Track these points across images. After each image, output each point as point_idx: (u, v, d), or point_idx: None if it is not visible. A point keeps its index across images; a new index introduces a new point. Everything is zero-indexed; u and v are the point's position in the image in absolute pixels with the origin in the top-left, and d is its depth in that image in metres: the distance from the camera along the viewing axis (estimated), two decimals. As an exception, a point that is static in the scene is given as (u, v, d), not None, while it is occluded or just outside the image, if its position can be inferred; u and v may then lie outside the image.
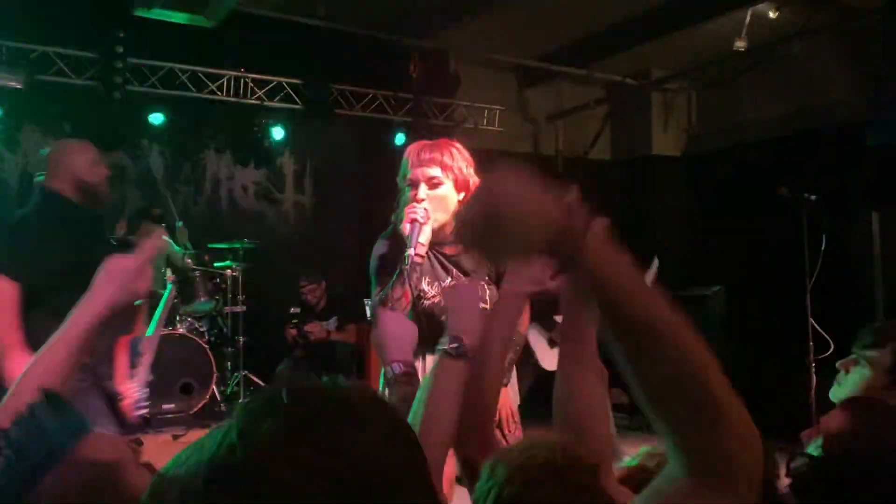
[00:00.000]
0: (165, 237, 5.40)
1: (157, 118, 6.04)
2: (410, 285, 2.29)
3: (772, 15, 5.93)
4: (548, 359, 4.75)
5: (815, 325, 4.68)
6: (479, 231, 0.88)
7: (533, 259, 1.59)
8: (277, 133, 6.52)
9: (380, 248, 2.41)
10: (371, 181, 7.13)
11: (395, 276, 2.23)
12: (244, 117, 6.45)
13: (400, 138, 6.94)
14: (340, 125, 6.79)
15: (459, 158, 2.32)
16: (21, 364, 1.80)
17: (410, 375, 2.11)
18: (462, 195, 2.30)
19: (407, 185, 2.30)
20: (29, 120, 5.82)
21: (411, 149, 2.36)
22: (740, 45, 5.96)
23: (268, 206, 6.88)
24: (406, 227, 2.21)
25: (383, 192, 7.02)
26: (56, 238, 2.59)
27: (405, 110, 6.93)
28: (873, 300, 5.89)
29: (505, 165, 0.88)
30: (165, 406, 5.08)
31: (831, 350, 4.62)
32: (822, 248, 4.70)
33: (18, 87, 5.19)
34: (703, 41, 6.54)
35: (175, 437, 4.76)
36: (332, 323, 6.07)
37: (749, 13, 5.83)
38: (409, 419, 1.33)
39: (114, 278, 1.38)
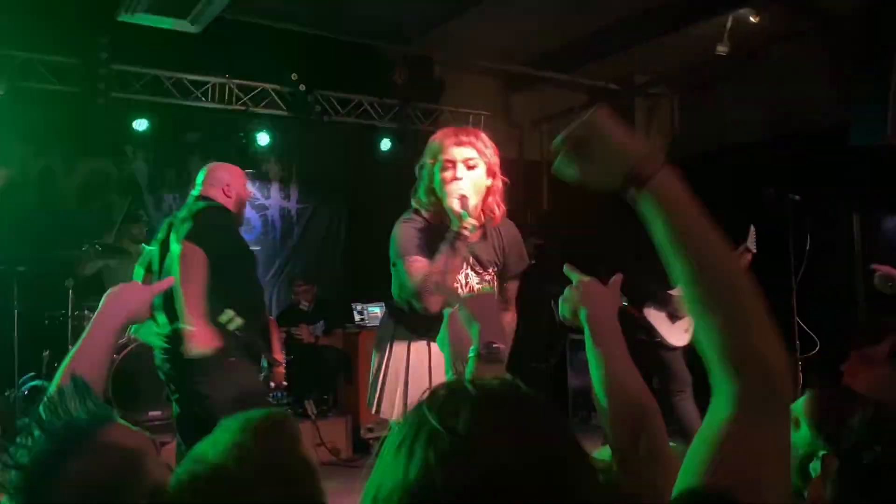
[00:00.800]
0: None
1: (141, 124, 6.00)
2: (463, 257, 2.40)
3: (752, 20, 6.00)
4: (673, 335, 4.67)
5: (801, 324, 4.72)
6: (577, 142, 1.04)
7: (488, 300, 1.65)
8: (263, 139, 6.50)
9: (408, 228, 2.46)
10: (357, 187, 7.14)
11: (444, 249, 2.29)
12: (229, 123, 6.43)
13: (385, 144, 6.95)
14: (326, 131, 6.79)
15: (490, 145, 2.42)
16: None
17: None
18: (490, 181, 2.40)
19: (438, 166, 2.37)
20: (11, 126, 5.77)
21: (445, 132, 2.45)
22: (722, 49, 6.04)
23: (253, 213, 6.86)
24: (455, 203, 2.30)
25: (369, 197, 7.07)
26: (227, 232, 3.31)
27: (390, 116, 6.94)
28: (856, 301, 5.97)
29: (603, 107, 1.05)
30: (152, 413, 5.03)
31: (817, 349, 4.68)
32: (807, 248, 4.75)
33: (0, 94, 5.16)
34: (686, 46, 6.60)
35: (163, 445, 4.72)
36: (320, 327, 6.06)
37: (730, 19, 5.91)
38: None
39: (125, 305, 1.60)
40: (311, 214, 7.07)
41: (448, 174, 2.35)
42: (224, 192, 3.42)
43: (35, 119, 5.78)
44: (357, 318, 6.30)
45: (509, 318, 2.61)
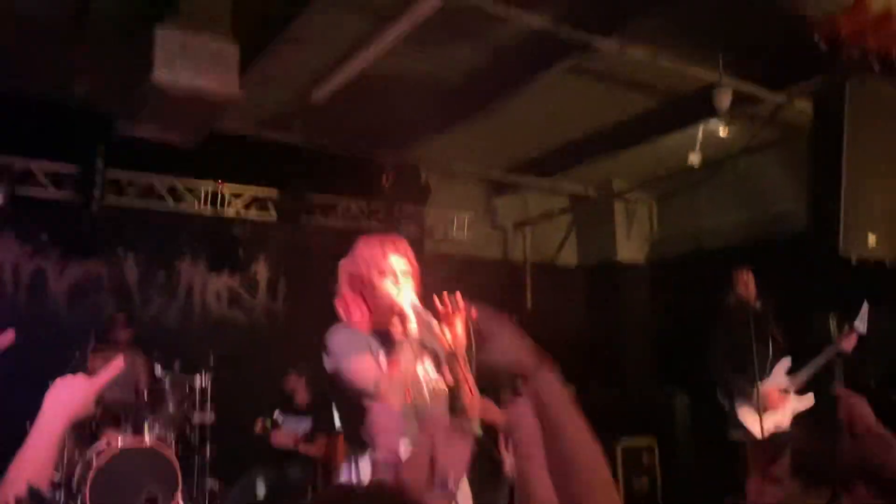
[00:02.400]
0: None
1: (133, 229, 6.18)
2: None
3: (722, 131, 6.31)
4: (757, 426, 4.82)
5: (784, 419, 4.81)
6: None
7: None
8: (252, 242, 6.68)
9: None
10: (343, 288, 7.27)
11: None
12: (220, 227, 6.62)
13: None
14: (314, 234, 6.98)
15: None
16: None
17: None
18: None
19: (379, 273, 2.46)
20: (6, 229, 5.94)
21: (379, 241, 2.56)
22: (694, 159, 6.31)
23: (240, 313, 6.95)
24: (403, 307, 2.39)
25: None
26: None
27: (377, 218, 7.15)
28: (831, 389, 6.03)
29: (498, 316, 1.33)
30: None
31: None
32: (770, 353, 4.91)
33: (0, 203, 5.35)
34: (661, 155, 6.91)
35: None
36: (305, 427, 5.93)
37: (701, 130, 6.21)
38: None
39: (66, 407, 1.51)
40: (297, 316, 7.15)
41: (388, 280, 2.45)
42: None
43: (29, 222, 5.96)
44: (338, 423, 6.23)
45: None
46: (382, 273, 2.44)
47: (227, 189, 6.49)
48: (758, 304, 4.97)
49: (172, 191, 6.27)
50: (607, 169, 7.59)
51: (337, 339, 2.49)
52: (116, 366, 1.62)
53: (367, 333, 2.48)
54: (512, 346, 1.27)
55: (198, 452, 5.65)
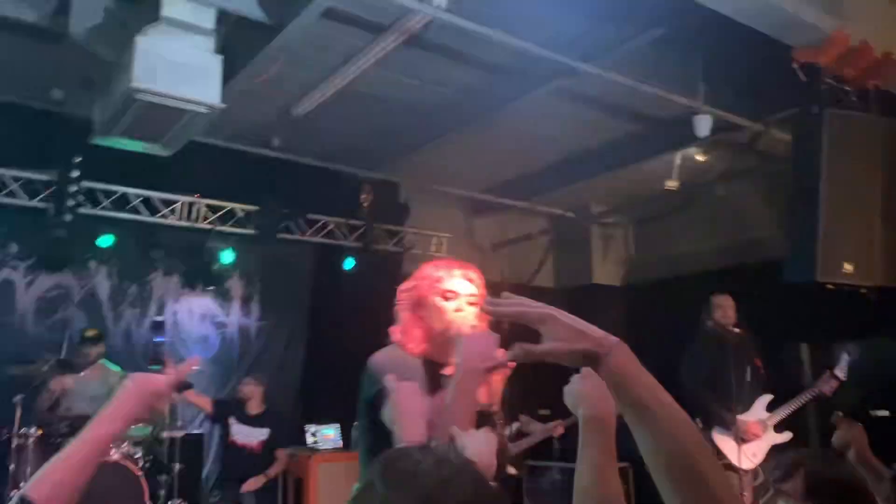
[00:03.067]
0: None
1: (106, 240, 6.07)
2: None
3: (699, 158, 6.40)
4: (740, 458, 4.81)
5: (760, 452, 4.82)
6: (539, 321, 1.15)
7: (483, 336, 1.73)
8: (227, 257, 6.59)
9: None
10: (318, 306, 7.20)
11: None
12: (195, 241, 6.52)
13: (349, 263, 7.08)
14: (291, 250, 6.92)
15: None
16: None
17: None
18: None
19: (440, 296, 2.23)
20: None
21: (447, 263, 2.36)
22: (671, 184, 6.39)
23: (212, 330, 6.85)
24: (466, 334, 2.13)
25: (329, 317, 7.10)
26: None
27: (355, 236, 7.11)
28: (807, 430, 6.06)
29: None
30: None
31: (759, 480, 4.76)
32: (748, 378, 4.93)
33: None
34: (639, 180, 6.97)
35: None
36: (260, 436, 5.84)
37: (678, 156, 6.29)
38: None
39: (141, 397, 1.46)
40: (269, 332, 7.07)
41: (452, 305, 2.23)
42: None
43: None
44: (310, 440, 6.18)
45: None
46: (444, 296, 2.24)
47: (203, 202, 6.41)
48: (737, 331, 4.98)
49: (147, 202, 6.18)
50: (586, 192, 7.63)
51: (385, 360, 2.21)
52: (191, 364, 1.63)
53: (419, 360, 2.23)
54: (572, 328, 1.12)
55: (167, 469, 5.53)
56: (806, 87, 3.98)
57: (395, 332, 2.29)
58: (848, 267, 3.63)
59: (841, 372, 4.89)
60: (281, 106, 5.60)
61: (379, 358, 2.20)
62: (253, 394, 5.95)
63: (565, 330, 1.11)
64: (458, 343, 2.06)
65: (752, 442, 4.88)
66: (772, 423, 5.00)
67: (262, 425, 5.86)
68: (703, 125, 4.93)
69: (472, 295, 2.25)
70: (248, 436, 5.79)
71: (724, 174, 6.39)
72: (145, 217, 6.16)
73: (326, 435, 6.22)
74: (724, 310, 5.17)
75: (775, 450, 4.91)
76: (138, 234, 6.27)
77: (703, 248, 7.42)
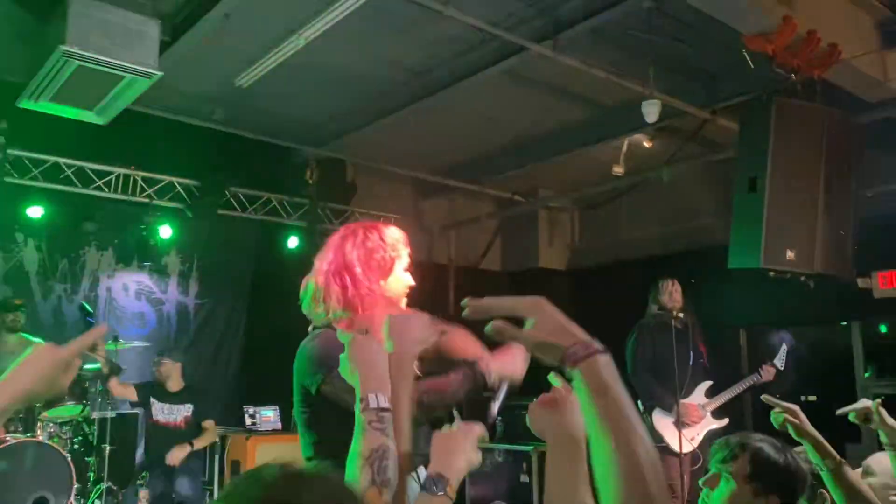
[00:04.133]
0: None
1: (35, 212, 5.80)
2: None
3: (646, 145, 6.44)
4: (678, 442, 4.85)
5: (685, 438, 4.88)
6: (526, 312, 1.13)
7: (417, 319, 1.64)
8: (165, 232, 6.37)
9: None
10: (259, 285, 7.03)
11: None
12: (131, 215, 6.29)
13: (293, 242, 6.93)
14: (232, 227, 6.72)
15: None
16: None
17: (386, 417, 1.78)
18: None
19: (401, 263, 2.14)
20: None
21: (401, 232, 2.22)
22: (618, 170, 6.41)
23: (148, 307, 6.63)
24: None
25: (271, 296, 6.96)
26: None
27: (299, 214, 6.96)
28: (742, 412, 6.20)
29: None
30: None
31: (700, 463, 4.84)
32: (702, 360, 5.00)
33: None
34: (586, 165, 6.99)
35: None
36: (184, 413, 5.69)
37: (626, 142, 6.31)
38: None
39: (38, 369, 1.32)
40: (209, 311, 6.88)
41: (409, 277, 2.15)
42: None
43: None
44: (248, 421, 6.06)
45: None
46: (404, 261, 2.16)
47: (140, 175, 6.17)
48: (682, 316, 5.03)
49: (81, 173, 5.92)
50: (534, 176, 7.62)
51: (325, 345, 2.00)
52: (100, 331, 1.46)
53: None
54: (559, 322, 1.11)
55: (96, 451, 5.34)
56: (755, 76, 4.01)
57: (342, 288, 2.12)
58: (790, 254, 3.68)
59: (780, 361, 5.02)
60: (223, 77, 5.40)
61: (317, 343, 2.02)
62: (170, 372, 5.75)
63: (552, 323, 1.10)
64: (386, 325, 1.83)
65: (692, 426, 4.95)
66: (710, 409, 5.08)
67: (182, 402, 5.69)
68: (652, 111, 4.93)
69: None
70: (171, 413, 5.63)
71: (669, 161, 6.44)
72: (78, 188, 5.90)
73: (265, 417, 6.10)
74: (671, 294, 5.21)
75: (712, 435, 5.01)
76: (70, 206, 6.01)
77: (648, 233, 7.50)
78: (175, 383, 5.77)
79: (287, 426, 6.10)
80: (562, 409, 1.35)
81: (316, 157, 6.83)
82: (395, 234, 2.20)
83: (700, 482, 2.07)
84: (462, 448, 1.57)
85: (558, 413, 1.35)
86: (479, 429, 1.64)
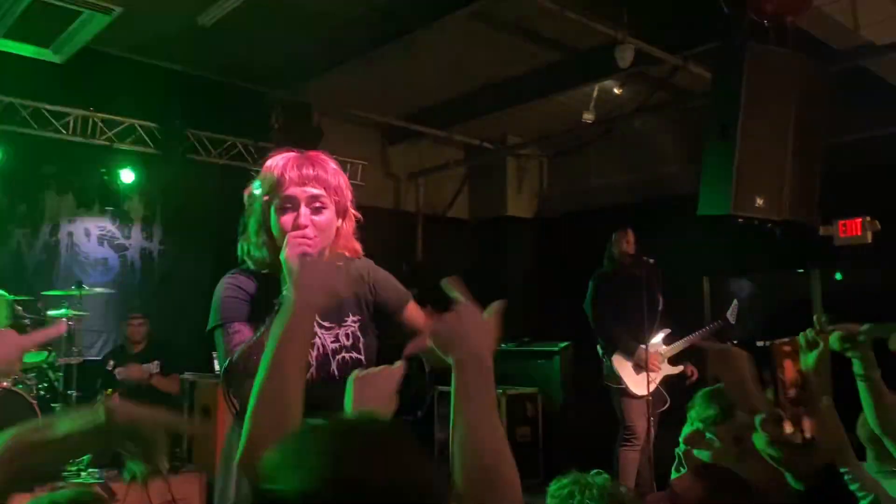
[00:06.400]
0: None
1: (-10, 154, 5.60)
2: None
3: (616, 91, 6.41)
4: (638, 385, 5.03)
5: (653, 381, 4.99)
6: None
7: (321, 265, 1.58)
8: (126, 176, 6.21)
9: (233, 286, 1.91)
10: (225, 230, 6.91)
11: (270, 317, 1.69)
12: (91, 158, 6.10)
13: (257, 186, 6.80)
14: (195, 171, 6.56)
15: (339, 175, 1.93)
16: None
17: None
18: (340, 222, 1.93)
19: (275, 204, 1.87)
20: None
21: (285, 162, 1.89)
22: (588, 117, 6.39)
23: (111, 253, 6.49)
24: (294, 259, 1.76)
25: (237, 241, 6.85)
26: None
27: (265, 159, 6.82)
28: (703, 359, 6.36)
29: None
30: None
31: (667, 405, 4.96)
32: (659, 308, 5.08)
33: None
34: (555, 112, 6.95)
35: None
36: (155, 366, 5.67)
37: (596, 89, 6.28)
38: None
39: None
40: (174, 256, 6.76)
41: (288, 218, 1.85)
42: None
43: None
44: (217, 367, 6.02)
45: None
46: (281, 207, 1.89)
47: (99, 116, 5.97)
48: (641, 264, 5.14)
49: (37, 115, 5.71)
50: (502, 123, 7.57)
51: (217, 293, 1.95)
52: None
53: (255, 283, 1.96)
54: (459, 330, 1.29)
55: (62, 397, 5.28)
56: (728, 21, 3.99)
57: (241, 248, 2.01)
58: (760, 201, 3.73)
59: (731, 316, 5.19)
60: (185, 14, 5.21)
61: (220, 292, 1.92)
62: (136, 333, 5.76)
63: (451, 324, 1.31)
64: (289, 272, 1.74)
65: (652, 372, 5.08)
66: (668, 356, 5.23)
67: (146, 361, 5.66)
68: (626, 56, 4.90)
69: (314, 198, 1.86)
70: (137, 371, 5.58)
71: (639, 108, 6.44)
72: (35, 130, 5.70)
73: (235, 362, 6.07)
74: (626, 243, 5.33)
75: (668, 379, 5.17)
76: (28, 148, 5.81)
77: (617, 181, 7.53)
78: (140, 344, 5.74)
79: (256, 371, 6.08)
80: (464, 326, 1.30)
81: (281, 100, 6.68)
82: (263, 170, 1.94)
83: (682, 439, 2.08)
84: (381, 395, 1.51)
85: (467, 324, 1.31)
86: (398, 372, 1.57)
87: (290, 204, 1.86)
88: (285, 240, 1.82)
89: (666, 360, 5.22)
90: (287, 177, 1.86)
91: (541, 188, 8.61)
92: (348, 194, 1.96)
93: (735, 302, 5.29)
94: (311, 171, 1.87)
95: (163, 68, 5.84)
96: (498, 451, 1.21)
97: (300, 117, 7.09)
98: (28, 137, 5.70)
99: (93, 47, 4.90)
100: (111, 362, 5.65)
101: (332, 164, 1.94)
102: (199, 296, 7.31)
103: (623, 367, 5.11)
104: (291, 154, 1.93)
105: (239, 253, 2.01)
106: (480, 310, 1.35)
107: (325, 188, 1.88)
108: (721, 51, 4.25)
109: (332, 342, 1.94)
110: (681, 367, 5.27)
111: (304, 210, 1.84)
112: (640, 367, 5.04)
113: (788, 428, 1.28)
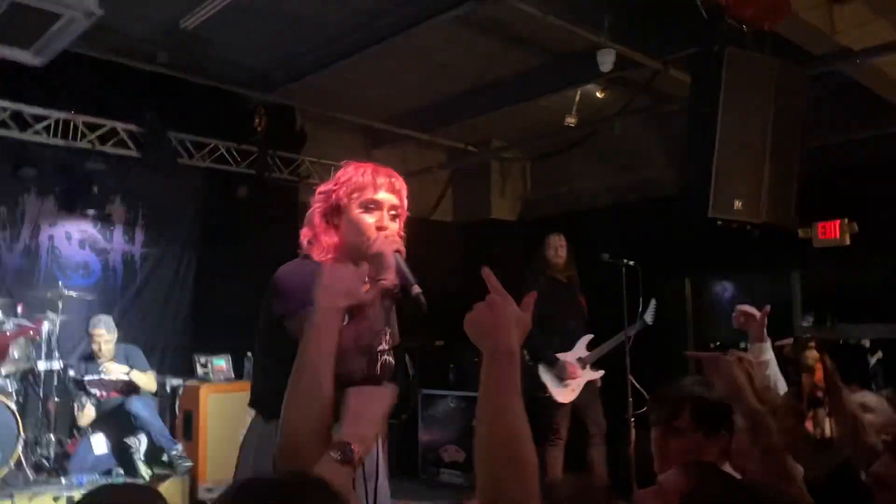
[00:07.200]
0: None
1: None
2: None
3: (598, 95, 6.45)
4: (560, 393, 5.21)
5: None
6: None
7: (344, 270, 1.62)
8: (108, 179, 6.18)
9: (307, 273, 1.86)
10: (207, 234, 6.90)
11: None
12: (72, 161, 6.06)
13: (241, 191, 6.80)
14: (178, 174, 6.54)
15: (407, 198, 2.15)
16: None
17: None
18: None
19: (362, 203, 2.04)
20: None
21: (374, 170, 2.10)
22: (570, 121, 6.44)
23: (92, 256, 6.45)
24: (390, 254, 1.93)
25: (220, 245, 6.84)
26: None
27: (248, 162, 6.82)
28: (685, 358, 6.41)
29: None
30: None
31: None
32: (640, 309, 5.13)
33: None
34: (538, 115, 6.99)
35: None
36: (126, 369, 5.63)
37: (578, 93, 6.32)
38: None
39: None
40: (156, 260, 6.72)
41: (371, 217, 2.03)
42: None
43: None
44: (200, 371, 6.00)
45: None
46: (366, 207, 2.03)
47: (81, 119, 5.94)
48: (568, 271, 5.24)
49: (17, 117, 5.67)
50: (486, 127, 7.60)
51: (292, 276, 1.98)
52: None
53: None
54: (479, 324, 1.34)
55: (42, 402, 5.25)
56: (708, 26, 4.04)
57: (304, 236, 2.11)
58: (738, 204, 3.77)
59: (648, 316, 5.26)
60: (168, 17, 5.20)
61: (287, 271, 2.01)
62: (101, 338, 5.63)
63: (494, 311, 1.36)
64: (380, 264, 1.91)
65: (573, 380, 5.23)
66: (589, 362, 5.34)
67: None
68: (608, 60, 4.94)
69: (395, 207, 2.08)
70: (103, 386, 5.53)
71: (621, 112, 6.49)
72: (14, 133, 5.66)
73: (218, 366, 6.05)
74: (557, 250, 5.40)
75: (590, 385, 5.34)
76: (7, 151, 5.77)
77: (599, 185, 7.58)
78: (107, 352, 5.61)
79: (239, 375, 6.07)
80: (497, 317, 1.35)
81: (264, 103, 6.67)
82: (350, 172, 2.10)
83: (654, 448, 2.09)
84: (374, 413, 1.52)
85: (498, 316, 1.36)
86: (393, 393, 1.60)
87: (375, 206, 2.06)
88: (375, 235, 2.01)
89: (588, 367, 5.34)
90: (378, 182, 2.07)
91: (525, 191, 8.65)
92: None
93: (653, 301, 5.34)
94: (396, 184, 2.12)
95: (145, 71, 5.81)
96: (522, 436, 1.27)
97: (284, 121, 7.10)
98: (8, 140, 5.66)
99: (74, 50, 4.87)
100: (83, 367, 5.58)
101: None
102: (182, 298, 7.34)
103: (546, 377, 5.25)
104: (373, 164, 2.15)
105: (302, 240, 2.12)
106: (513, 301, 1.40)
107: (401, 202, 2.12)
108: (700, 56, 4.30)
109: (382, 345, 2.11)
110: (602, 372, 5.40)
111: (385, 214, 2.07)
112: (561, 378, 5.21)
113: (809, 426, 1.32)
